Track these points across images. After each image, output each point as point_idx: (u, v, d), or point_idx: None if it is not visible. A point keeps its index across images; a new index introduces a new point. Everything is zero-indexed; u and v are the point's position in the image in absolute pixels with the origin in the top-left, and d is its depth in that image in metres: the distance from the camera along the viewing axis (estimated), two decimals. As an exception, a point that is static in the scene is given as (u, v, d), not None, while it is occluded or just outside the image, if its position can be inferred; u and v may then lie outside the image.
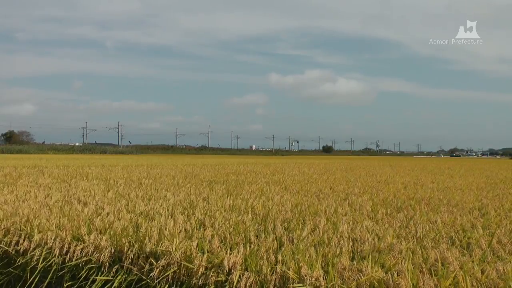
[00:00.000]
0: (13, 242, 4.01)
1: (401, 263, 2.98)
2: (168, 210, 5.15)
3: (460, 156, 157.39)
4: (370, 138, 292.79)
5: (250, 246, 3.40)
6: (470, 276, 2.75)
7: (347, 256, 3.16)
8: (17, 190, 7.16)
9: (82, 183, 8.80)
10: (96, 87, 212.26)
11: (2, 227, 4.29)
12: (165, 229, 3.92)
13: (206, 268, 3.13)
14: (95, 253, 3.58)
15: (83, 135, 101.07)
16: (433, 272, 2.88)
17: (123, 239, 3.63)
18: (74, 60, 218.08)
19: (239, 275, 2.97)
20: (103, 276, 3.43)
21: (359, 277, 2.80)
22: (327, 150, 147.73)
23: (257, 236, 3.81)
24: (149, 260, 3.35)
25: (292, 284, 2.84)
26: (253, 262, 3.05)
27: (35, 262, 3.71)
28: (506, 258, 3.25)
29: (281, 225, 4.31)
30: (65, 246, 3.75)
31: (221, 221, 4.41)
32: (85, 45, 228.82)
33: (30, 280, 3.63)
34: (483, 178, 13.28)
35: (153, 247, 3.43)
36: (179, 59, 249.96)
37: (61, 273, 3.62)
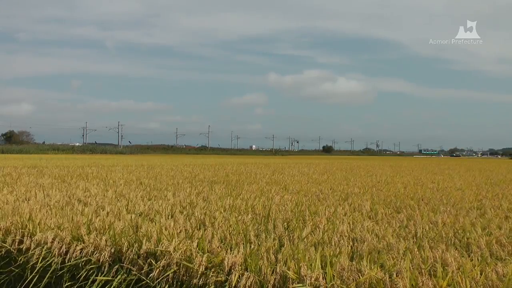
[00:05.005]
0: (16, 241, 4.01)
1: (400, 263, 2.99)
2: (168, 210, 5.15)
3: (460, 156, 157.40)
4: (370, 138, 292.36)
5: (250, 246, 3.41)
6: (469, 277, 2.75)
7: (347, 256, 3.16)
8: (17, 190, 7.16)
9: (82, 183, 8.81)
10: (95, 87, 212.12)
11: (2, 226, 4.29)
12: (165, 229, 3.92)
13: (206, 268, 3.14)
14: (94, 253, 3.58)
15: (83, 135, 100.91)
16: (432, 273, 2.88)
17: (122, 239, 3.64)
18: (74, 60, 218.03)
19: (239, 275, 2.98)
20: (103, 276, 3.43)
21: (359, 277, 2.80)
22: (327, 150, 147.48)
23: (257, 236, 3.81)
24: (149, 260, 3.36)
25: (292, 284, 2.84)
26: (253, 262, 3.05)
27: (35, 261, 3.72)
28: (505, 258, 3.25)
29: (281, 225, 4.31)
30: (65, 246, 3.75)
31: (221, 221, 4.42)
32: (85, 45, 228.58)
33: (29, 279, 3.63)
34: (483, 178, 13.28)
35: (153, 247, 3.44)
36: (179, 59, 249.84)
37: (60, 272, 3.62)
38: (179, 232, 3.88)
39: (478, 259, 3.18)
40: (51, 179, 9.99)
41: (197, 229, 4.02)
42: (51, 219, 4.47)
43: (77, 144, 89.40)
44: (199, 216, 4.72)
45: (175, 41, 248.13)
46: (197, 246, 3.39)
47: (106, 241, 3.65)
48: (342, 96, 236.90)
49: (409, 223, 4.56)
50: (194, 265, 3.14)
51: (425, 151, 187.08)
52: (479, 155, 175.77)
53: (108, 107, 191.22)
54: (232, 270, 3.04)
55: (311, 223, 4.41)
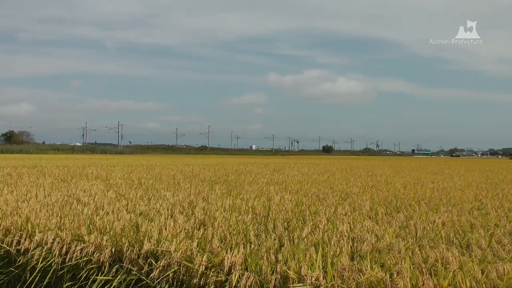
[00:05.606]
0: (14, 242, 4.01)
1: (401, 263, 2.98)
2: (168, 210, 5.15)
3: (460, 156, 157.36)
4: (370, 138, 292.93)
5: (250, 246, 3.40)
6: (469, 276, 2.75)
7: (347, 255, 3.16)
8: (17, 190, 7.16)
9: (82, 183, 8.80)
10: (95, 87, 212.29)
11: (2, 226, 4.29)
12: (165, 229, 3.92)
13: (206, 268, 3.14)
14: (95, 253, 3.58)
15: (83, 135, 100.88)
16: (432, 272, 2.88)
17: (123, 239, 3.64)
18: (74, 60, 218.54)
19: (239, 275, 2.98)
20: (103, 276, 3.43)
21: (359, 277, 2.80)
22: (327, 150, 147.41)
23: (257, 236, 3.81)
24: (149, 260, 3.36)
25: (292, 284, 2.84)
26: (253, 262, 3.05)
27: (35, 262, 3.72)
28: (505, 258, 3.25)
29: (281, 225, 4.31)
30: (65, 246, 3.75)
31: (221, 221, 4.42)
32: (86, 45, 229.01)
33: (29, 280, 3.63)
34: (483, 178, 13.28)
35: (153, 247, 3.44)
36: (179, 59, 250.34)
37: (61, 273, 3.62)
38: (179, 232, 3.88)
39: (478, 259, 3.17)
40: (52, 179, 9.99)
41: (197, 229, 4.02)
42: (51, 219, 4.47)
43: (77, 144, 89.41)
44: (199, 216, 4.72)
45: (175, 41, 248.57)
46: (197, 246, 3.39)
47: (106, 241, 3.65)
48: (342, 96, 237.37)
49: (409, 223, 4.56)
50: (194, 265, 3.14)
51: (418, 151, 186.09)
52: (479, 155, 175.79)
53: (108, 107, 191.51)
54: (232, 270, 3.04)
55: (311, 223, 4.40)
